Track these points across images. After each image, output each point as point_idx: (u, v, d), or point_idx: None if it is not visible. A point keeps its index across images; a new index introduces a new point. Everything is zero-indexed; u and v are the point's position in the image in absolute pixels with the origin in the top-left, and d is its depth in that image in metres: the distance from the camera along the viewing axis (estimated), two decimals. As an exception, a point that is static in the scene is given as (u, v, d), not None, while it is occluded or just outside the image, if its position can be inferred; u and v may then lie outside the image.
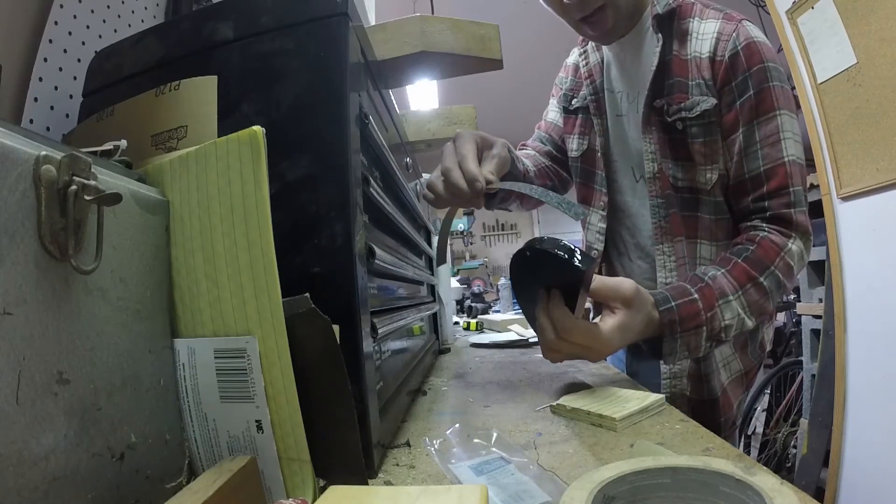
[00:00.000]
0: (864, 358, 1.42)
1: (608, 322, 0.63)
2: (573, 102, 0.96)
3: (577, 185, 0.99)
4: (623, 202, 0.90)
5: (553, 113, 1.06)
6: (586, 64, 0.93)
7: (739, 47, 0.71)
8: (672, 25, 0.76)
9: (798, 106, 0.78)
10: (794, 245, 0.71)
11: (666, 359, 0.68)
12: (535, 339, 1.24)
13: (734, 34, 0.72)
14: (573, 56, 0.99)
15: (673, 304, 0.66)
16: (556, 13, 0.81)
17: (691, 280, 0.70)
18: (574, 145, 0.96)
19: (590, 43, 0.93)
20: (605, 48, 0.89)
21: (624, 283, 0.65)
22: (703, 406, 0.80)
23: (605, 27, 0.78)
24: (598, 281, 0.64)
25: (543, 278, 0.62)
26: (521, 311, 0.68)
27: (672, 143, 0.77)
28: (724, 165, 0.75)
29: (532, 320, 0.67)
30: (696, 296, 0.66)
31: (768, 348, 0.87)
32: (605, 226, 0.92)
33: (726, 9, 0.76)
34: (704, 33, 0.74)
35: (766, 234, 0.72)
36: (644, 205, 0.84)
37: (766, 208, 0.73)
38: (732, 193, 0.77)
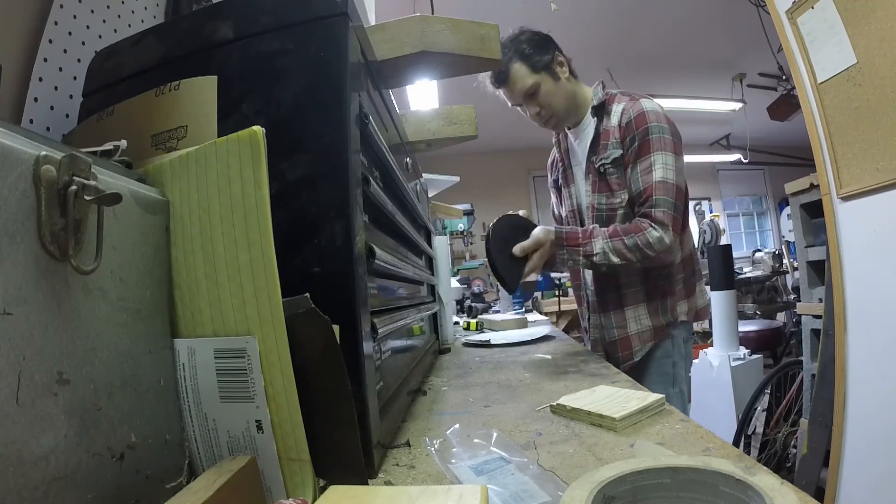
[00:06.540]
0: (864, 358, 1.42)
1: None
2: (558, 182, 1.45)
3: None
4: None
5: (552, 198, 1.55)
6: (559, 150, 1.41)
7: (632, 117, 1.15)
8: (602, 111, 1.23)
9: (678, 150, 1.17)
10: (654, 230, 1.10)
11: (558, 266, 1.19)
12: (534, 338, 1.29)
13: (630, 109, 1.16)
14: (553, 153, 1.48)
15: (563, 231, 1.13)
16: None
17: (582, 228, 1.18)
18: (562, 210, 1.45)
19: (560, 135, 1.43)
20: (569, 136, 1.36)
21: (536, 232, 1.13)
22: (610, 345, 1.27)
23: (549, 126, 1.32)
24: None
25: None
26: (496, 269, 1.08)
27: (599, 182, 1.24)
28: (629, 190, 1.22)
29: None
30: (578, 232, 1.13)
31: (682, 319, 1.26)
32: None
33: (634, 94, 1.21)
34: (616, 112, 1.19)
35: (639, 220, 1.13)
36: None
37: (641, 210, 1.15)
38: (630, 205, 1.22)
